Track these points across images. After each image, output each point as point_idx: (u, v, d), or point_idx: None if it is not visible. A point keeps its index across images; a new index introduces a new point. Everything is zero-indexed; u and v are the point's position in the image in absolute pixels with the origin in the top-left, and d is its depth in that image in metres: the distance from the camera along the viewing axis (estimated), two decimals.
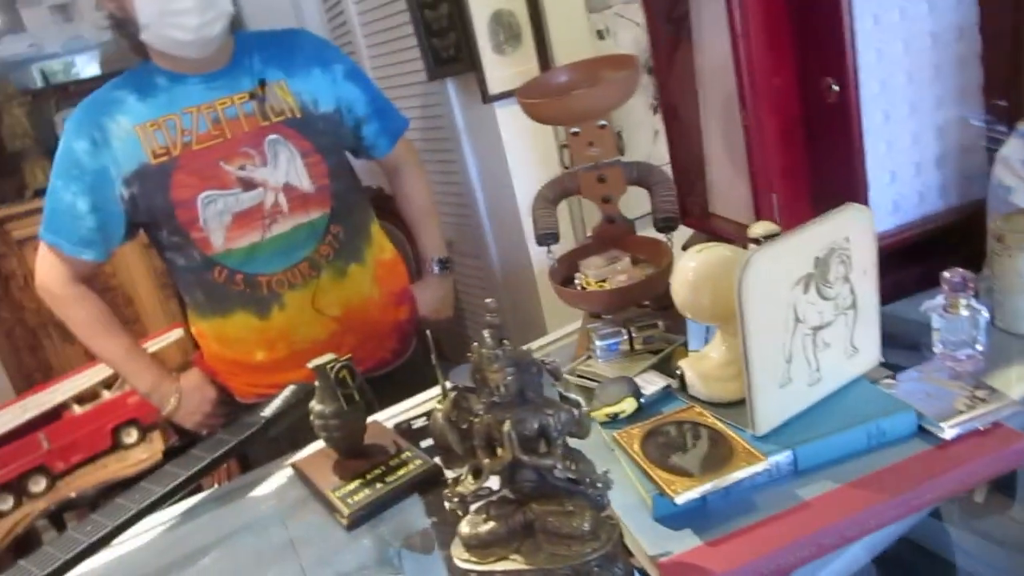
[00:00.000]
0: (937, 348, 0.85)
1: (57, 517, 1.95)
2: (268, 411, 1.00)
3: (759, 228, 0.81)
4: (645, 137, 1.97)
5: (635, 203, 1.11)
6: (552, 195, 1.08)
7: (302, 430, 1.04)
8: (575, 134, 1.02)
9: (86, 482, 1.84)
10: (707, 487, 0.69)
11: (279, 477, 0.99)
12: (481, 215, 2.08)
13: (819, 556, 0.67)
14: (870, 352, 0.81)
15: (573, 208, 1.92)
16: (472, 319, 2.32)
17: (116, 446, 1.89)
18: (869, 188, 0.95)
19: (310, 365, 0.90)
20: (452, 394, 0.70)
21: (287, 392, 1.04)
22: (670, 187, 1.04)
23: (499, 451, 0.68)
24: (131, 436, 1.90)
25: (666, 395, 0.87)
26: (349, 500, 0.85)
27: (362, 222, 1.49)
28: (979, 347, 0.83)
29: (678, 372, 0.85)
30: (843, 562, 0.78)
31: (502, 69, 1.79)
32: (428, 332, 0.87)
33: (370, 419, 0.98)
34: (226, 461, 0.93)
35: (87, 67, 2.68)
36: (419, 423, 1.04)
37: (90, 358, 2.14)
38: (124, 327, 1.45)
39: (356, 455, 0.92)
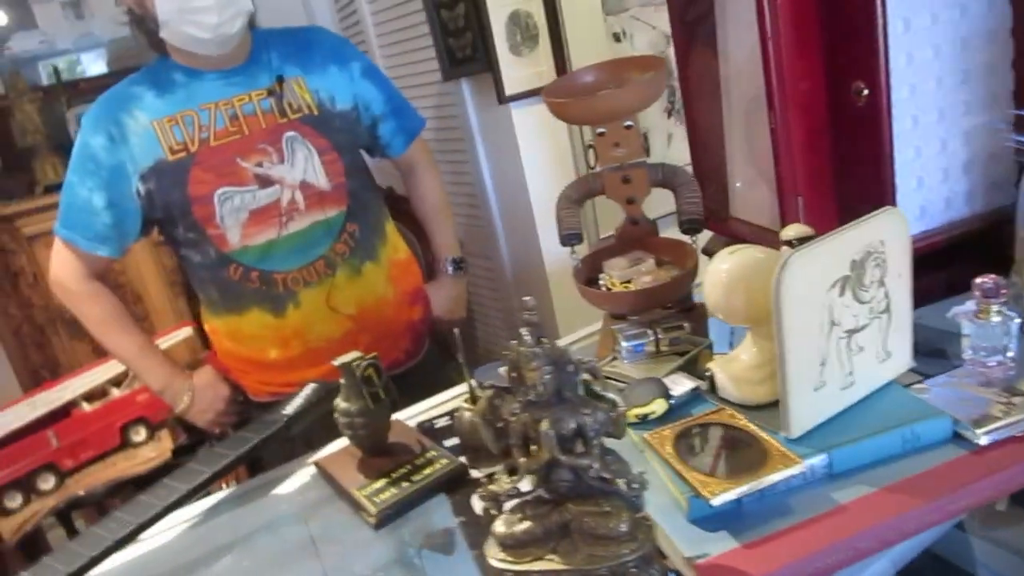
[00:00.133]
0: (967, 354, 0.84)
1: (65, 515, 1.94)
2: (290, 409, 0.99)
3: (792, 230, 0.80)
4: (660, 140, 1.97)
5: (656, 203, 1.10)
6: (576, 195, 1.07)
7: (315, 430, 1.04)
8: (601, 134, 1.02)
9: (95, 480, 1.83)
10: (743, 489, 0.68)
11: (301, 476, 0.99)
12: (493, 216, 2.08)
13: (857, 560, 0.67)
14: (902, 357, 0.80)
15: (586, 209, 1.92)
16: (482, 320, 2.31)
17: (125, 444, 1.88)
18: (896, 193, 0.95)
19: (335, 363, 0.89)
20: (488, 392, 0.69)
21: (308, 390, 1.03)
22: (695, 189, 1.04)
23: (534, 450, 0.68)
24: (140, 434, 1.89)
25: (695, 397, 0.87)
26: (376, 499, 0.84)
27: (377, 221, 1.49)
28: (1010, 354, 0.82)
29: (707, 374, 0.85)
30: (870, 574, 0.78)
31: (518, 70, 1.79)
32: (457, 331, 0.87)
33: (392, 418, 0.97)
34: (249, 459, 0.92)
35: (98, 64, 2.67)
36: (441, 422, 1.03)
37: (98, 356, 2.14)
38: (137, 324, 1.44)
39: (380, 453, 0.92)
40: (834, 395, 0.76)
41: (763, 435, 0.75)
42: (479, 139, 2.02)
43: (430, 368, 1.54)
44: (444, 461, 0.89)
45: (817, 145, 0.99)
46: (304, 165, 1.35)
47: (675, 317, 1.00)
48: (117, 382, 1.93)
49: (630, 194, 1.06)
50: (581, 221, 1.07)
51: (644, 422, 0.83)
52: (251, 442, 0.92)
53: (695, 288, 1.05)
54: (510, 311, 2.19)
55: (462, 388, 1.12)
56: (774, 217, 1.10)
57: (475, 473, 0.89)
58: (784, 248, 0.79)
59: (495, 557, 0.69)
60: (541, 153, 1.88)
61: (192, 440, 1.95)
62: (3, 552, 2.35)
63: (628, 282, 1.02)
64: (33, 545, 2.23)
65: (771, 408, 0.78)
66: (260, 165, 1.32)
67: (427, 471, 0.87)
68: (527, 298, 0.67)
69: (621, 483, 0.68)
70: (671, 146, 1.98)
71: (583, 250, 1.09)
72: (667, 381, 0.87)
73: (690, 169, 1.16)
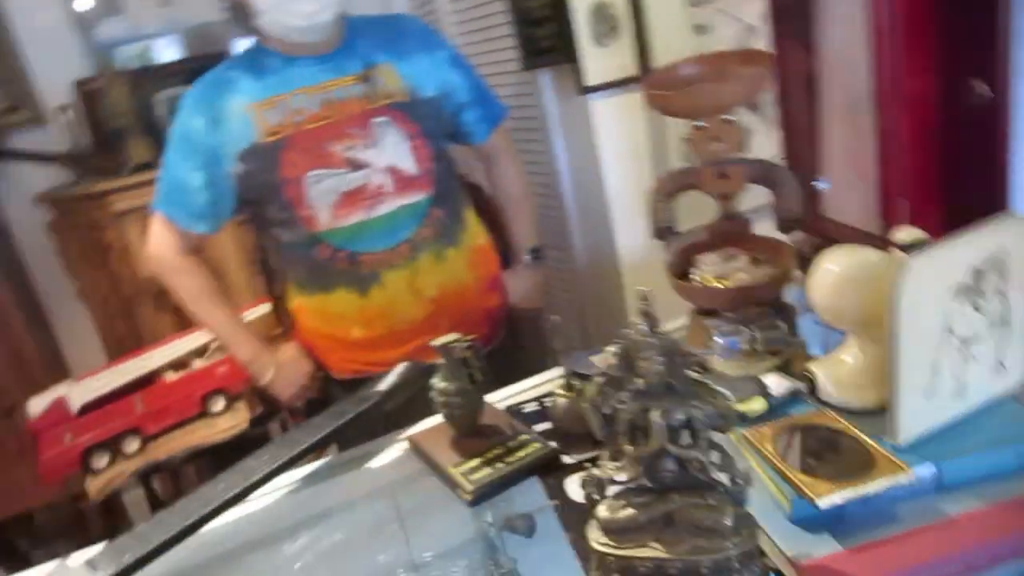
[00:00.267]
0: None
1: (145, 478, 2.03)
2: (384, 386, 1.02)
3: (905, 234, 0.79)
4: None
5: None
6: (670, 189, 1.07)
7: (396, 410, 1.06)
8: (700, 128, 1.01)
9: (175, 446, 1.90)
10: (850, 494, 0.68)
11: (393, 451, 1.01)
12: (568, 207, 2.08)
13: None
14: (1017, 371, 0.78)
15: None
16: (549, 309, 2.32)
17: (204, 413, 1.94)
18: (1011, 198, 0.92)
19: (435, 343, 0.92)
20: (598, 380, 0.70)
21: (401, 369, 1.06)
22: (794, 187, 1.02)
23: (641, 439, 0.69)
24: (219, 404, 1.96)
25: (792, 398, 0.86)
26: (471, 477, 0.86)
27: (460, 207, 1.51)
28: None
29: (808, 375, 0.84)
30: None
31: (599, 61, 1.78)
32: (555, 319, 0.88)
33: None
34: (347, 431, 0.95)
35: (181, 49, 2.75)
36: (530, 407, 1.05)
37: (181, 328, 2.22)
38: (227, 299, 1.50)
39: (473, 434, 0.94)
40: (945, 405, 0.74)
41: (868, 440, 0.74)
42: (556, 129, 2.02)
43: (506, 355, 1.56)
44: (537, 445, 0.90)
45: (925, 145, 0.97)
46: (393, 150, 1.38)
47: (769, 316, 0.99)
48: (200, 353, 2.00)
49: (726, 189, 1.05)
50: (675, 214, 1.07)
51: (742, 419, 0.83)
52: (348, 415, 0.95)
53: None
54: (580, 302, 2.20)
55: (548, 375, 1.14)
56: (872, 219, 1.09)
57: (567, 459, 0.90)
58: (896, 251, 0.78)
59: (597, 541, 0.70)
60: (619, 145, 1.87)
61: (267, 412, 2.01)
62: (84, 509, 2.48)
63: (722, 278, 1.02)
64: (112, 505, 2.34)
65: (875, 413, 0.77)
66: (350, 149, 1.35)
67: (520, 453, 0.89)
68: (641, 288, 0.67)
69: (725, 477, 0.68)
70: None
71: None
72: (764, 380, 0.87)
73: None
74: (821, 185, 1.21)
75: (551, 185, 2.13)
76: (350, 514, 0.91)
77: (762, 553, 0.70)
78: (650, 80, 1.03)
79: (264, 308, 2.13)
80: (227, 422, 1.95)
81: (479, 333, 1.52)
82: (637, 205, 1.91)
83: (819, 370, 0.83)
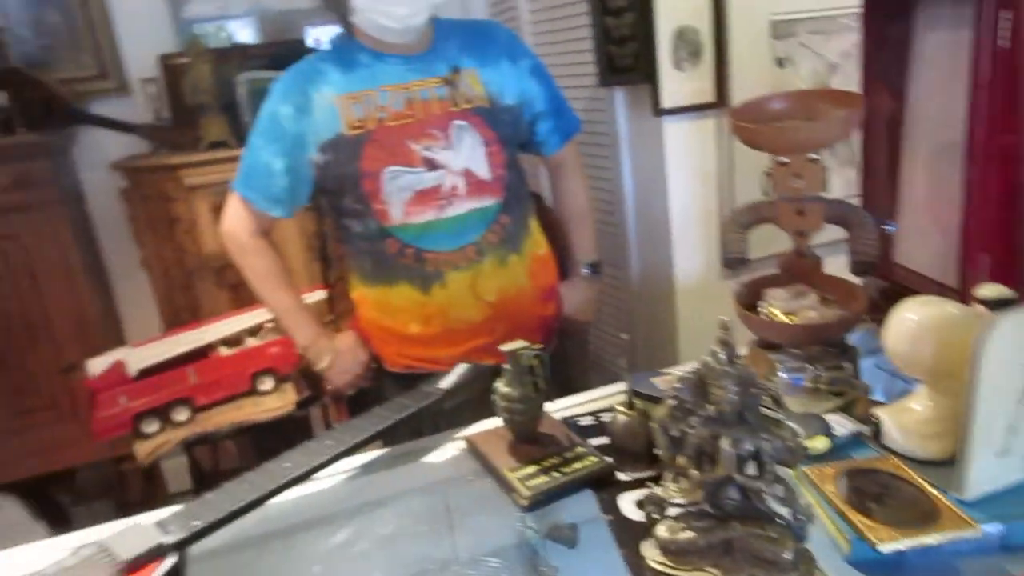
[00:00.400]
0: None
1: (188, 447, 2.08)
2: (445, 384, 1.04)
3: (990, 291, 0.79)
4: None
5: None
6: (746, 220, 1.08)
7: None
8: (783, 164, 1.02)
9: (222, 420, 1.95)
10: (914, 542, 0.68)
11: (449, 448, 1.03)
12: (628, 225, 2.09)
13: None
14: None
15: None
16: (597, 325, 2.33)
17: (252, 391, 1.99)
18: None
19: (503, 348, 0.94)
20: (670, 403, 0.71)
21: (462, 369, 1.08)
22: (872, 230, 1.02)
23: (707, 464, 0.70)
24: (267, 384, 2.00)
25: (855, 440, 0.86)
26: (528, 483, 0.88)
27: (526, 215, 1.53)
28: None
29: (873, 419, 0.84)
30: None
31: (678, 84, 1.79)
32: (625, 336, 0.89)
33: None
34: (406, 425, 0.97)
35: (263, 33, 2.82)
36: (585, 421, 1.06)
37: (237, 305, 2.28)
38: (292, 283, 1.54)
39: (531, 440, 0.96)
40: (1017, 465, 0.74)
41: (932, 491, 0.74)
42: (625, 147, 2.04)
43: (557, 365, 1.57)
44: (594, 459, 0.91)
45: (1011, 202, 0.96)
46: (469, 154, 1.40)
47: (834, 356, 0.99)
48: (253, 332, 2.05)
49: (802, 226, 1.05)
50: (748, 246, 1.08)
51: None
52: (409, 409, 0.98)
53: None
54: (629, 320, 2.20)
55: (605, 390, 1.15)
56: (948, 270, 1.08)
57: (621, 475, 0.91)
58: (979, 307, 0.78)
59: (654, 559, 0.71)
60: (687, 169, 1.87)
61: (312, 396, 2.06)
62: (124, 471, 2.55)
63: (790, 314, 1.02)
64: (151, 470, 2.41)
65: (940, 465, 0.77)
66: (428, 149, 1.38)
67: (577, 465, 0.90)
68: (722, 318, 0.68)
69: (787, 512, 0.69)
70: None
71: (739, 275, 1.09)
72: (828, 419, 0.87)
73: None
74: (888, 228, 1.20)
75: (613, 202, 2.14)
76: (402, 506, 0.93)
77: None
78: (738, 111, 1.04)
79: (319, 295, 2.18)
80: (274, 402, 2.00)
81: (532, 340, 1.54)
82: (699, 231, 1.92)
83: (886, 415, 0.83)
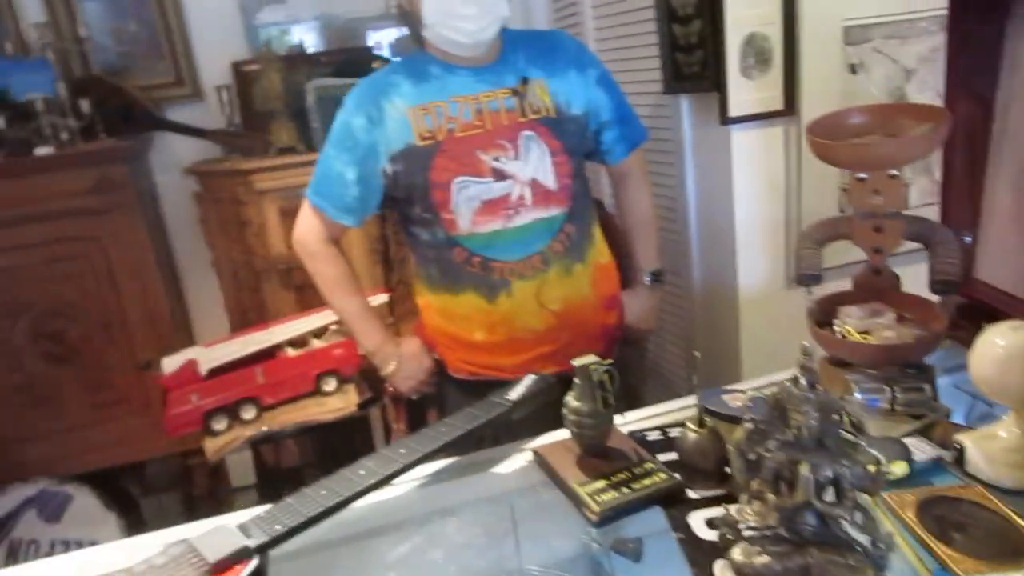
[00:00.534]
0: None
1: (254, 445, 2.15)
2: (514, 395, 1.05)
3: None
4: None
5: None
6: (821, 236, 1.06)
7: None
8: (861, 180, 1.00)
9: (286, 419, 2.00)
10: None
11: (518, 459, 1.05)
12: (690, 234, 2.07)
13: None
14: None
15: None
16: (657, 333, 2.31)
17: (316, 391, 2.04)
18: None
19: (575, 363, 0.94)
20: (748, 426, 0.71)
21: (529, 380, 1.09)
22: (954, 249, 0.99)
23: (784, 489, 0.69)
24: (330, 385, 2.05)
25: (935, 465, 0.84)
26: (597, 498, 0.88)
27: (589, 224, 1.53)
28: None
29: (956, 445, 0.82)
30: None
31: (746, 92, 1.77)
32: (697, 355, 0.89)
33: None
34: (476, 435, 0.99)
35: (331, 41, 2.88)
36: (653, 436, 1.06)
37: (302, 307, 2.33)
38: (361, 289, 1.57)
39: (599, 455, 0.96)
40: None
41: (1021, 523, 0.72)
42: (689, 155, 2.02)
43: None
44: (663, 475, 0.91)
45: None
46: (536, 164, 1.41)
47: (912, 377, 0.97)
48: (318, 334, 2.10)
49: (879, 243, 1.03)
50: (822, 262, 1.06)
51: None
52: (479, 420, 0.99)
53: None
54: (689, 330, 2.18)
55: (671, 405, 1.15)
56: None
57: (691, 493, 0.91)
58: None
59: None
60: (754, 179, 1.85)
61: (372, 397, 2.10)
62: (191, 466, 2.64)
63: (865, 332, 1.00)
64: (216, 466, 2.49)
65: None
66: (497, 159, 1.39)
67: (646, 481, 0.90)
68: (804, 343, 0.68)
69: (867, 540, 0.68)
70: None
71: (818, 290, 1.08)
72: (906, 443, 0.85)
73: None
74: (964, 239, 1.17)
75: (676, 210, 2.12)
76: (470, 515, 0.95)
77: None
78: (814, 126, 1.02)
79: (381, 298, 2.22)
80: (337, 403, 2.04)
81: (595, 349, 1.54)
82: (765, 241, 1.89)
83: (970, 442, 0.81)
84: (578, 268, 1.48)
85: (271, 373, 2.00)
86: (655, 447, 1.02)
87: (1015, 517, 0.72)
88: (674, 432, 1.04)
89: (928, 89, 1.92)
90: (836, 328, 1.03)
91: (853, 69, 1.84)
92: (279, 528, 0.79)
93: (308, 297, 2.35)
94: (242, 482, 2.86)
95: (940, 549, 0.69)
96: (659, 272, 1.66)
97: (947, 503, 0.76)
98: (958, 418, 0.97)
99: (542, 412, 1.12)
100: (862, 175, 1.00)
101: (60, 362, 2.39)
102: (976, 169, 1.18)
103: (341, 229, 1.49)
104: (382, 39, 2.90)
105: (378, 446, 2.53)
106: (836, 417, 0.68)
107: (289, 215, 2.30)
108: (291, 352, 2.05)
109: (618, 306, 1.60)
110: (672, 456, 0.98)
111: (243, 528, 0.80)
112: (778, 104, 1.79)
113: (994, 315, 0.98)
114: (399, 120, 1.39)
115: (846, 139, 1.00)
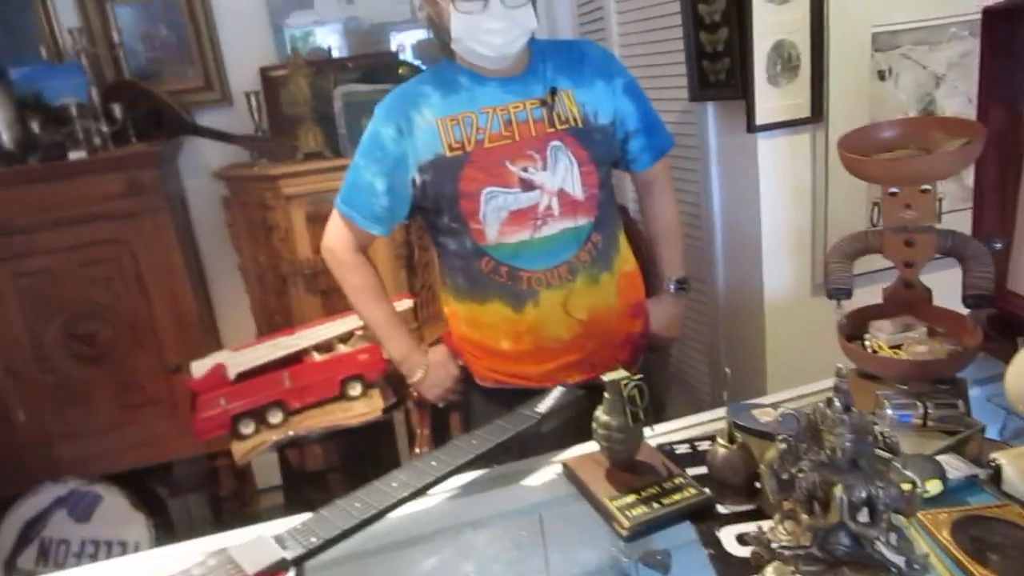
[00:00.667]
0: None
1: (280, 449, 2.17)
2: (542, 407, 1.06)
3: None
4: None
5: None
6: (851, 250, 1.06)
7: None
8: (893, 194, 1.00)
9: (312, 423, 2.02)
10: None
11: (547, 472, 1.05)
12: (715, 241, 2.06)
13: None
14: None
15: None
16: (680, 339, 2.31)
17: (342, 396, 2.06)
18: None
19: (605, 378, 0.95)
20: (781, 445, 0.71)
21: (557, 393, 1.10)
22: (987, 263, 0.99)
23: (818, 509, 0.69)
24: (355, 389, 2.07)
25: (970, 483, 0.84)
26: (628, 512, 0.89)
27: (616, 232, 1.54)
28: None
29: (992, 463, 0.82)
30: None
31: (772, 100, 1.76)
32: (728, 371, 0.89)
33: None
34: (505, 447, 1.00)
35: (356, 47, 2.90)
36: (681, 449, 1.06)
37: (328, 311, 2.36)
38: (388, 297, 1.58)
39: (628, 469, 0.96)
40: None
41: None
42: (715, 163, 2.01)
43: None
44: (693, 490, 0.92)
45: None
46: (564, 174, 1.42)
47: (945, 392, 0.97)
48: (343, 339, 2.12)
49: (910, 257, 1.03)
50: (852, 276, 1.06)
51: None
52: (509, 432, 1.00)
53: None
54: (713, 338, 2.18)
55: (699, 417, 1.15)
56: None
57: (721, 508, 0.91)
58: None
59: None
60: (781, 187, 1.84)
61: (396, 403, 2.12)
62: (217, 467, 2.67)
63: (896, 347, 1.00)
64: (242, 468, 2.52)
65: None
66: (525, 170, 1.40)
67: (676, 496, 0.91)
68: (839, 366, 0.68)
69: (902, 561, 0.68)
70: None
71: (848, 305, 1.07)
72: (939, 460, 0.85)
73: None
74: (994, 246, 1.16)
75: (701, 217, 2.12)
76: (499, 527, 0.96)
77: None
78: (845, 140, 1.02)
79: (406, 303, 2.24)
80: (362, 407, 2.06)
81: (620, 357, 1.55)
82: (791, 248, 1.89)
83: (1006, 460, 0.80)
84: (605, 277, 1.48)
85: (297, 377, 2.02)
86: (684, 461, 1.02)
87: None
88: (703, 445, 1.04)
89: (958, 95, 1.90)
90: (867, 342, 1.02)
91: (881, 75, 1.83)
92: (315, 540, 0.80)
93: (333, 301, 2.38)
94: (267, 483, 2.89)
95: (976, 570, 0.69)
96: (684, 280, 1.66)
97: (983, 523, 0.76)
98: (992, 433, 0.97)
99: (567, 423, 1.13)
100: (894, 189, 0.99)
101: (91, 364, 2.43)
102: (1009, 178, 1.17)
103: (370, 238, 1.51)
104: (405, 41, 2.92)
105: (402, 451, 2.55)
106: (871, 438, 0.68)
107: (315, 220, 2.34)
108: (317, 357, 2.08)
109: (643, 314, 1.60)
110: (701, 470, 0.98)
111: (279, 540, 0.82)
112: (805, 112, 1.78)
113: None
114: (428, 131, 1.40)
115: (877, 153, 0.99)
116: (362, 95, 2.36)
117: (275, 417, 2.01)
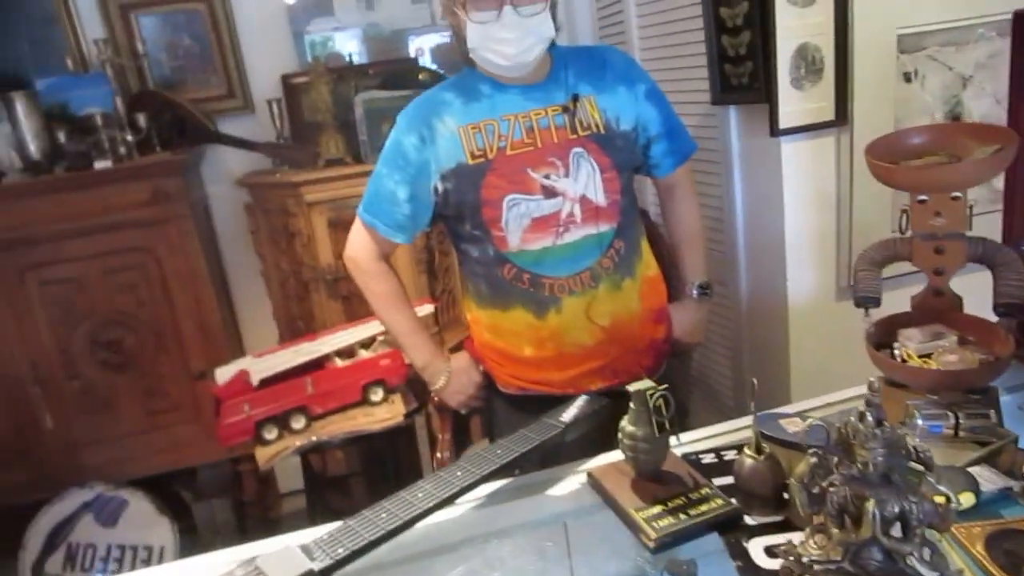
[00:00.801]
0: None
1: (303, 454, 2.18)
2: (567, 417, 1.06)
3: None
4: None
5: None
6: (880, 258, 1.04)
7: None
8: (922, 202, 0.98)
9: (335, 429, 2.03)
10: None
11: (572, 481, 1.05)
12: (737, 245, 2.05)
13: None
14: None
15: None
16: (703, 344, 2.30)
17: (363, 401, 2.07)
18: None
19: (631, 388, 0.94)
20: (812, 459, 0.70)
21: (581, 402, 1.10)
22: (1018, 270, 0.97)
23: (849, 523, 0.68)
24: (377, 395, 2.08)
25: (1003, 496, 0.82)
26: (655, 524, 0.88)
27: (638, 238, 1.53)
28: None
29: None
30: None
31: (796, 104, 1.75)
32: (754, 381, 0.89)
33: None
34: (529, 457, 0.99)
35: (377, 54, 2.91)
36: (707, 459, 1.05)
37: (349, 317, 2.37)
38: (411, 305, 1.59)
39: (653, 479, 0.96)
40: None
41: None
42: (737, 167, 2.00)
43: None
44: (720, 501, 0.91)
45: None
46: (586, 181, 1.42)
47: (976, 402, 0.95)
48: (365, 344, 2.13)
49: (939, 265, 1.02)
50: (881, 284, 1.04)
51: None
52: (534, 442, 1.00)
53: None
54: (735, 343, 2.16)
55: (725, 427, 1.14)
56: None
57: (748, 519, 0.90)
58: None
59: None
60: (804, 191, 1.83)
61: (417, 408, 2.12)
62: (240, 472, 2.69)
63: (926, 356, 0.99)
64: (265, 473, 2.54)
65: None
66: (548, 177, 1.40)
67: (703, 507, 0.90)
68: (872, 379, 0.67)
69: None
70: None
71: (877, 313, 1.06)
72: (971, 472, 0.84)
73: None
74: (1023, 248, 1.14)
75: (723, 221, 2.11)
76: (524, 537, 0.96)
77: None
78: (872, 147, 1.01)
79: (427, 308, 2.24)
80: (384, 412, 2.07)
81: (643, 363, 1.54)
82: (815, 252, 1.87)
83: None
84: (627, 283, 1.48)
85: (320, 383, 2.03)
86: (710, 470, 1.01)
87: None
88: (729, 455, 1.03)
89: (985, 96, 1.87)
90: (896, 351, 1.01)
91: (907, 78, 1.81)
92: (342, 551, 0.81)
93: (355, 307, 2.39)
94: (290, 487, 2.91)
95: None
96: (706, 285, 1.65)
97: (1018, 536, 0.74)
98: None
99: (590, 431, 1.13)
100: (923, 197, 0.98)
101: (116, 370, 2.46)
102: None
103: (392, 246, 1.51)
104: (424, 46, 2.93)
105: (423, 455, 2.56)
106: (904, 452, 0.67)
107: (337, 226, 2.35)
108: (339, 362, 2.09)
109: (666, 319, 1.59)
110: (727, 479, 0.98)
111: (306, 550, 0.82)
112: (829, 115, 1.76)
113: None
114: (450, 139, 1.40)
115: (905, 159, 0.98)
116: (382, 101, 2.37)
117: (298, 422, 2.02)
